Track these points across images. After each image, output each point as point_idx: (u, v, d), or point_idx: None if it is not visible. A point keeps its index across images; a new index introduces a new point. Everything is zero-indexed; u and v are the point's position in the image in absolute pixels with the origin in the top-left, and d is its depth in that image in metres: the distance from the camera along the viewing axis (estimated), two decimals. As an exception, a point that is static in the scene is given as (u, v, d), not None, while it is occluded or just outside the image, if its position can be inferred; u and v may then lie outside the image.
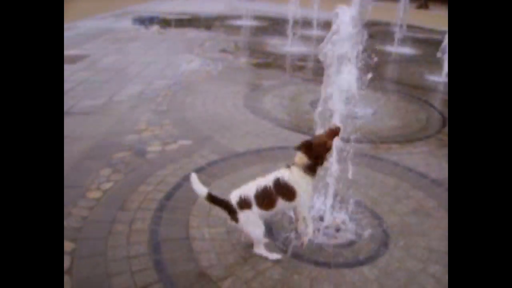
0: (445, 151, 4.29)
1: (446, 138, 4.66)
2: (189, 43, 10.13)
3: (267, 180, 2.61)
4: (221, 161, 3.82)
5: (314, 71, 7.70)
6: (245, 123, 4.74)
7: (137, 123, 4.67)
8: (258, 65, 8.01)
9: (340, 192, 3.17)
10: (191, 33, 12.22)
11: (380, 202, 3.28)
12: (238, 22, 14.85)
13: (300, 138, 4.26)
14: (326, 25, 14.32)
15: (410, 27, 15.23)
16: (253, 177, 2.75)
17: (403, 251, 2.74)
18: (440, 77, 7.36)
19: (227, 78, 6.76)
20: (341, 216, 3.04)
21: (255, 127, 4.64)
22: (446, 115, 5.44)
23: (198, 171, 3.63)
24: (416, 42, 12.12)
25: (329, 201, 3.06)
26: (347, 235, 2.86)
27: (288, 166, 2.66)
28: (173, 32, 13.00)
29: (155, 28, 12.89)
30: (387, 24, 14.82)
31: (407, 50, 10.53)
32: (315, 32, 12.18)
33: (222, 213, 2.64)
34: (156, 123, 4.68)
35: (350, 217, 3.04)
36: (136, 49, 8.92)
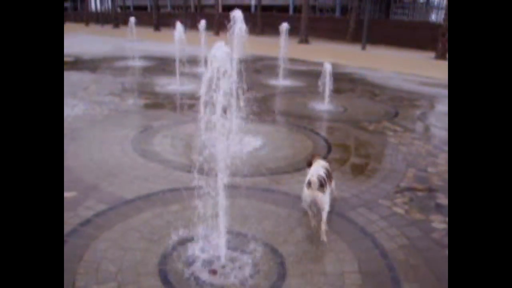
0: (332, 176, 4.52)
1: (333, 163, 4.93)
2: (72, 86, 9.61)
3: (323, 167, 3.51)
4: (109, 211, 3.59)
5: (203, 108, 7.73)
6: (134, 168, 4.54)
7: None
8: (147, 106, 7.84)
9: (234, 228, 3.14)
10: (74, 76, 11.64)
11: (274, 233, 3.32)
12: (126, 63, 14.55)
13: (191, 179, 4.24)
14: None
15: (293, 60, 16.26)
16: (144, 224, 2.61)
17: (300, 280, 2.77)
18: (323, 105, 7.86)
19: (114, 121, 6.49)
20: (236, 254, 3.01)
21: (144, 171, 4.46)
22: (331, 141, 5.79)
23: (84, 224, 3.37)
24: (299, 74, 12.92)
25: (223, 239, 3.00)
26: (244, 272, 2.82)
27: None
28: (54, 75, 12.23)
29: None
30: (272, 58, 15.62)
31: (292, 82, 11.13)
32: (203, 69, 12.36)
33: (112, 267, 2.44)
34: (34, 176, 4.27)
35: (246, 252, 3.02)
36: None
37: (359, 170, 4.78)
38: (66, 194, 3.89)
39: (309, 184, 3.25)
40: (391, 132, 6.49)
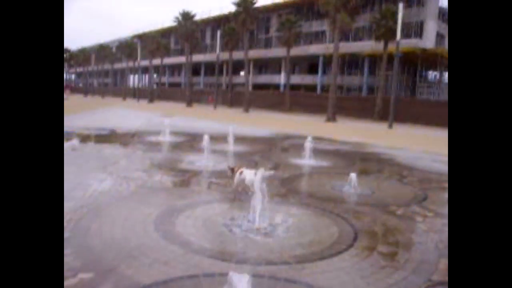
0: (358, 266, 4.32)
1: (359, 251, 4.73)
2: (104, 160, 9.90)
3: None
4: (124, 297, 3.48)
5: (229, 188, 7.74)
6: (154, 250, 4.46)
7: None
8: (173, 184, 7.91)
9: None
10: (107, 149, 12.04)
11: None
12: (156, 138, 15.01)
13: (212, 265, 4.13)
14: (243, 140, 14.98)
15: (320, 139, 16.40)
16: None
17: None
18: (349, 189, 7.73)
19: (139, 199, 6.53)
20: None
21: (164, 253, 4.37)
22: (357, 227, 5.61)
23: (97, 311, 3.26)
24: (326, 153, 12.94)
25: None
26: None
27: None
28: (88, 148, 12.73)
29: (69, 144, 12.53)
30: (299, 136, 15.79)
31: (318, 162, 11.12)
32: (231, 147, 12.59)
33: None
34: (55, 254, 4.25)
35: None
36: (44, 169, 8.47)
37: (386, 260, 4.55)
38: (82, 275, 3.82)
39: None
40: (420, 218, 6.25)
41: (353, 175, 7.73)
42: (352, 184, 7.71)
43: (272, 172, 6.68)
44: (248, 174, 6.34)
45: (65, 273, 3.83)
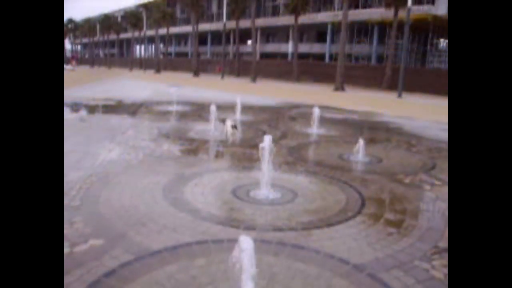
0: (365, 233, 4.34)
1: (366, 219, 4.75)
2: (111, 130, 9.94)
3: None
4: (134, 262, 3.54)
5: (237, 157, 7.76)
6: (163, 217, 4.51)
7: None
8: (180, 152, 7.94)
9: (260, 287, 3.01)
10: (114, 120, 12.07)
11: (303, 295, 3.16)
12: (163, 108, 15.00)
13: (220, 231, 4.17)
14: (250, 109, 14.91)
15: (328, 108, 16.28)
16: (168, 278, 2.53)
17: None
18: (357, 157, 7.71)
19: (148, 167, 6.58)
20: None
21: (173, 220, 4.43)
22: (364, 194, 5.62)
23: (108, 275, 3.33)
24: (334, 122, 12.87)
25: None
26: None
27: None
28: (96, 118, 12.78)
29: (77, 115, 12.58)
30: (307, 106, 15.68)
31: (326, 131, 11.07)
32: (238, 116, 12.55)
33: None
34: (66, 221, 4.31)
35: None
36: (53, 139, 8.53)
37: (394, 228, 4.57)
38: (93, 241, 3.89)
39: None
40: (428, 186, 6.24)
41: (361, 142, 7.68)
42: (360, 151, 7.67)
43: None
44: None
45: (76, 239, 3.90)
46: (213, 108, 9.64)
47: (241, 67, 50.48)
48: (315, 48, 51.27)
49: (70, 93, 19.42)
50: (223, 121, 8.95)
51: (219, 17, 59.79)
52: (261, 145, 5.08)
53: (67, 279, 3.23)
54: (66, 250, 3.71)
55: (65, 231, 4.09)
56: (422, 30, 39.73)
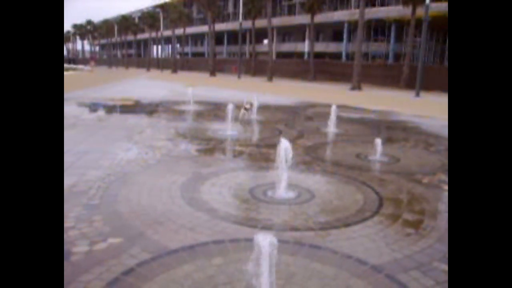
0: (383, 233, 4.30)
1: (384, 219, 4.71)
2: (129, 130, 10.04)
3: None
4: (152, 261, 3.57)
5: (253, 157, 7.76)
6: (180, 216, 4.55)
7: (64, 220, 4.35)
8: (197, 152, 7.98)
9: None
10: (132, 119, 12.20)
11: (320, 296, 3.14)
12: (180, 107, 15.10)
13: (237, 231, 4.18)
14: (267, 108, 14.90)
15: (345, 107, 16.17)
16: (186, 277, 2.55)
17: None
18: (375, 156, 7.64)
19: (165, 167, 6.63)
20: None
21: (190, 219, 4.45)
22: (382, 194, 5.56)
23: (127, 273, 3.37)
24: (351, 122, 12.77)
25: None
26: None
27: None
28: (114, 118, 12.93)
29: (95, 115, 12.76)
30: (324, 105, 15.59)
31: (343, 130, 11.00)
32: (254, 116, 12.56)
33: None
34: (86, 220, 4.39)
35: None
36: (73, 137, 8.68)
37: (412, 228, 4.51)
38: (112, 240, 3.94)
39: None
40: (447, 186, 6.15)
41: (378, 141, 7.61)
42: (377, 151, 7.60)
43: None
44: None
45: (96, 238, 3.96)
46: (230, 107, 9.67)
47: (257, 67, 50.49)
48: (331, 47, 50.97)
49: (89, 93, 19.71)
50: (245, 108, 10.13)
51: (235, 16, 59.93)
52: (278, 150, 5.06)
53: (86, 277, 3.29)
54: (85, 248, 3.77)
55: (84, 230, 4.15)
56: (441, 27, 39.12)
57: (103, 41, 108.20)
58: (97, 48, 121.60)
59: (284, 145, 4.99)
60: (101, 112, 13.70)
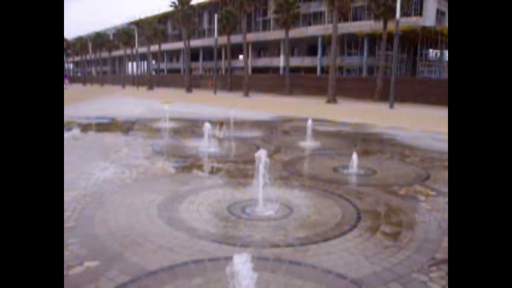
0: (362, 246, 4.34)
1: (362, 232, 4.75)
2: (105, 149, 9.91)
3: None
4: (130, 283, 3.50)
5: (231, 173, 7.75)
6: (158, 236, 4.49)
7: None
8: (175, 170, 7.92)
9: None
10: (108, 138, 12.06)
11: (301, 313, 3.14)
12: (156, 125, 14.99)
13: (217, 249, 4.15)
14: (244, 124, 14.94)
15: (321, 121, 16.36)
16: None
17: None
18: (352, 169, 7.73)
19: (142, 186, 6.55)
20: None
21: (169, 239, 4.40)
22: (360, 207, 5.63)
23: (104, 298, 3.29)
24: (327, 135, 12.92)
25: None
26: None
27: None
28: (89, 137, 12.74)
29: (70, 133, 12.54)
30: (300, 119, 15.73)
31: (320, 144, 11.10)
32: (232, 133, 12.58)
33: None
34: (61, 244, 4.28)
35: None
36: (46, 159, 8.48)
37: (390, 240, 4.57)
38: (88, 263, 3.85)
39: None
40: (423, 197, 6.26)
41: (354, 155, 7.72)
42: (354, 164, 7.71)
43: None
44: None
45: (71, 262, 3.86)
46: (207, 125, 9.66)
47: (233, 82, 50.69)
48: (307, 61, 51.68)
49: (63, 112, 19.36)
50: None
51: (210, 33, 60.20)
52: (256, 155, 5.06)
53: (62, 303, 3.20)
54: (61, 273, 3.67)
55: (60, 254, 4.05)
56: (411, 41, 40.25)
57: (77, 59, 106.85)
58: (70, 66, 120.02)
59: (262, 156, 5.00)
60: (75, 131, 13.47)
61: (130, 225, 4.83)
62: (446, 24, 40.01)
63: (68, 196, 5.85)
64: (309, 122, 11.16)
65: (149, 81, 60.17)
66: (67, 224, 4.81)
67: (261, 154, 4.99)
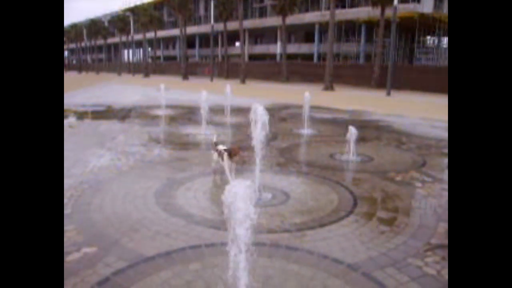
0: (358, 232, 4.37)
1: (359, 218, 4.78)
2: (101, 136, 9.87)
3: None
4: (128, 269, 3.52)
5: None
6: (155, 223, 4.50)
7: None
8: (171, 157, 7.91)
9: (255, 292, 3.01)
10: (104, 125, 12.00)
11: (298, 297, 3.16)
12: (153, 112, 14.94)
13: (213, 235, 4.16)
14: (240, 111, 14.92)
15: (318, 108, 16.34)
16: (163, 284, 2.51)
17: None
18: (348, 156, 7.74)
19: (139, 173, 6.55)
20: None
21: (166, 226, 4.41)
22: (356, 193, 5.65)
23: (102, 283, 3.30)
24: (324, 122, 12.92)
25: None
26: None
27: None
28: (85, 124, 12.68)
29: (66, 122, 12.47)
30: (297, 106, 15.70)
31: (317, 131, 11.10)
32: (228, 118, 12.56)
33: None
34: (58, 230, 4.28)
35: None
36: (42, 146, 8.45)
37: (386, 226, 4.60)
38: (86, 250, 3.86)
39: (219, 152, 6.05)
40: (419, 183, 6.29)
41: (351, 142, 7.72)
42: (350, 151, 7.71)
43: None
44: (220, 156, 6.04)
45: (69, 248, 3.86)
46: (203, 111, 9.63)
47: (230, 69, 50.45)
48: (304, 48, 51.43)
49: (59, 100, 19.21)
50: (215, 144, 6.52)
51: (206, 19, 59.77)
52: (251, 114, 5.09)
53: (60, 289, 3.21)
54: (58, 259, 3.68)
55: (57, 240, 4.05)
56: (409, 28, 40.05)
57: (71, 46, 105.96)
58: (65, 53, 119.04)
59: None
60: (71, 119, 13.41)
61: (127, 212, 4.83)
62: (444, 10, 39.80)
63: (65, 183, 5.84)
64: (306, 109, 11.13)
65: (145, 69, 59.82)
66: (64, 211, 4.81)
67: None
